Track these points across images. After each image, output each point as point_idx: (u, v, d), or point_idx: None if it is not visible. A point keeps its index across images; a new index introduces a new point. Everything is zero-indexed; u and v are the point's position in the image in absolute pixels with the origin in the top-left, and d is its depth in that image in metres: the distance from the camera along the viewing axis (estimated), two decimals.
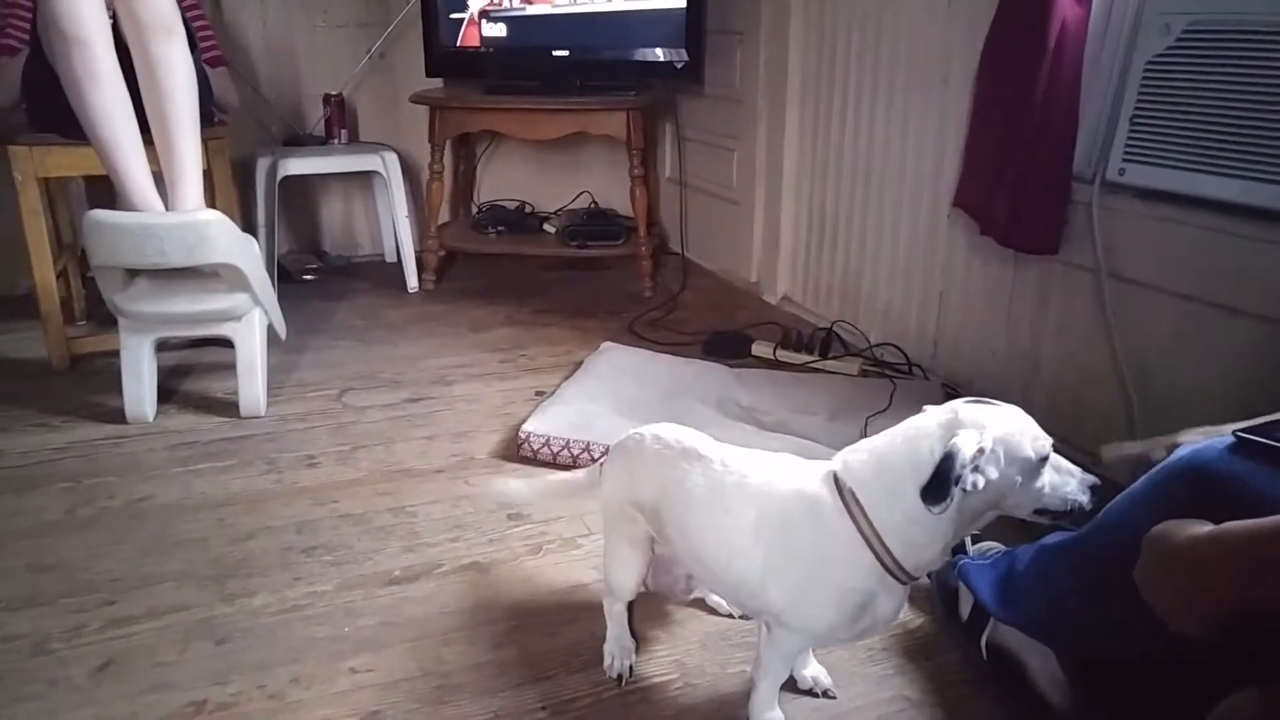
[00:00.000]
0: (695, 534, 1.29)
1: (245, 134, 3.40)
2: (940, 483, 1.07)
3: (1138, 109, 1.90)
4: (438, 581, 1.71)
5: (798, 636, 1.26)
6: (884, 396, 2.34)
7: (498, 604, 1.64)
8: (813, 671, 1.43)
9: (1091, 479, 1.14)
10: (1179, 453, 1.12)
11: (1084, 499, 1.13)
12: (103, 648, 1.52)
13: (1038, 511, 1.14)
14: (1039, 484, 1.12)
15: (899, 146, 2.62)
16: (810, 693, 1.42)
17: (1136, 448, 1.34)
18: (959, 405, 1.14)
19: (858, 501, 1.16)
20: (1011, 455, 1.09)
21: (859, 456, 1.19)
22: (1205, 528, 0.88)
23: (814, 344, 2.76)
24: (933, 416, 1.15)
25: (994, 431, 1.09)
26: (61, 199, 2.96)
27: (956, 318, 2.50)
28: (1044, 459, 1.11)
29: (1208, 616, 0.87)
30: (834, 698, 1.42)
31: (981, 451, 1.07)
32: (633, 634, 1.52)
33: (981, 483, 1.08)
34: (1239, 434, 1.05)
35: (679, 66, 3.32)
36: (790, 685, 1.42)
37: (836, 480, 1.19)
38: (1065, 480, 1.13)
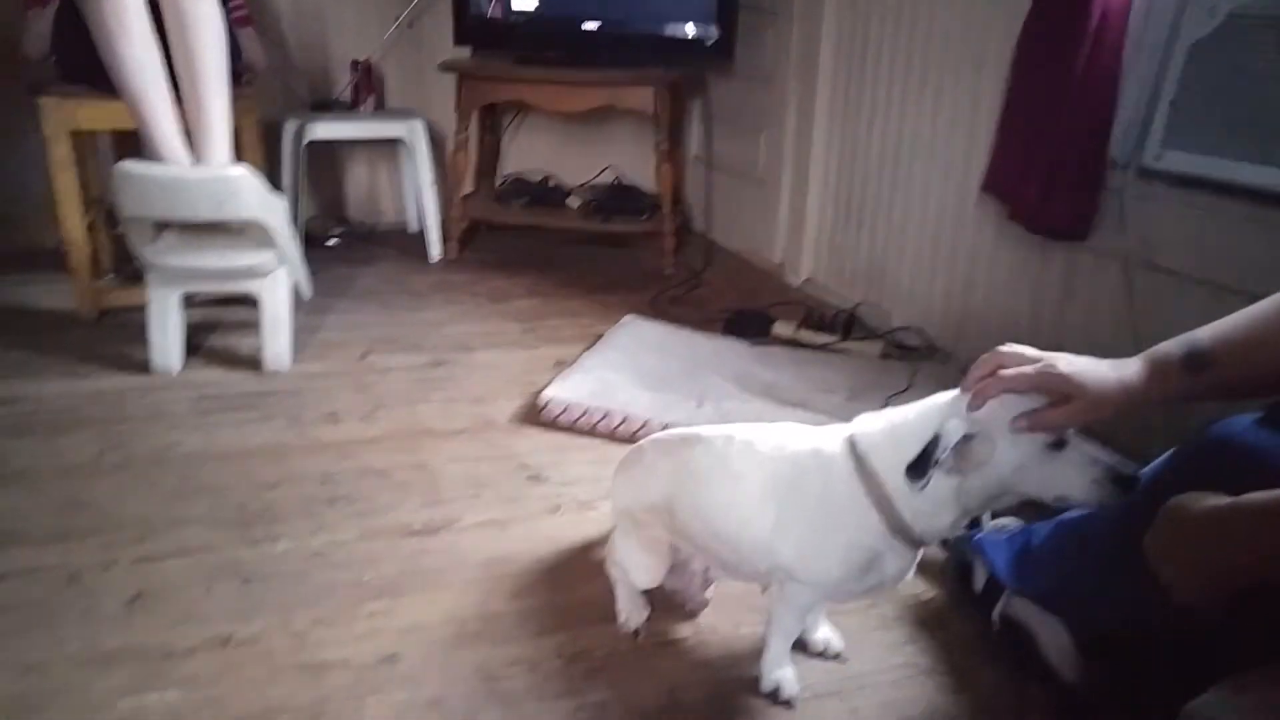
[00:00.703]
0: (707, 507, 1.33)
1: (272, 97, 3.40)
2: (920, 461, 1.10)
3: (1178, 93, 1.88)
4: (457, 535, 1.73)
5: (808, 590, 1.28)
6: (904, 378, 2.35)
7: (515, 559, 1.66)
8: (824, 634, 1.45)
9: (1123, 469, 1.07)
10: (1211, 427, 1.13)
11: (1105, 491, 1.07)
12: (133, 581, 1.55)
13: (1059, 498, 1.11)
14: (1053, 470, 1.09)
15: (930, 130, 2.62)
16: (822, 655, 1.44)
17: None
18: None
19: (869, 465, 1.18)
20: (1014, 438, 1.09)
21: (877, 424, 1.21)
22: (1225, 499, 0.89)
23: (836, 325, 2.76)
24: (948, 394, 1.17)
25: (989, 416, 1.10)
26: (90, 153, 2.98)
27: (980, 303, 2.51)
28: (1057, 445, 1.09)
29: (1219, 587, 0.88)
30: (845, 661, 1.43)
31: (968, 437, 1.09)
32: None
33: (962, 466, 1.10)
34: (1269, 407, 1.06)
35: (709, 43, 3.33)
36: (802, 647, 1.44)
37: (852, 442, 1.21)
38: (1088, 469, 1.08)
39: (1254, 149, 1.75)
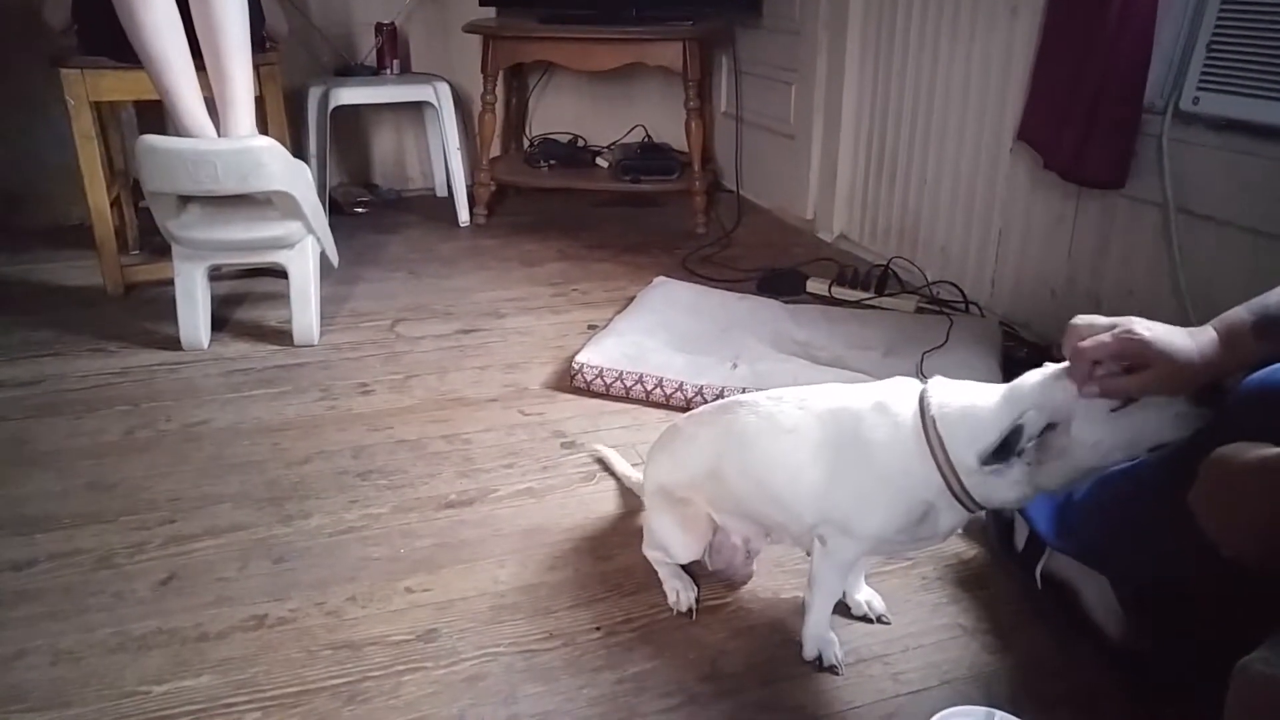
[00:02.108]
0: (757, 464, 1.31)
1: (297, 63, 3.38)
2: (1001, 451, 1.08)
3: (1216, 34, 1.84)
4: (492, 506, 1.71)
5: (856, 544, 1.26)
6: (941, 333, 2.30)
7: (551, 529, 1.65)
8: (866, 596, 1.43)
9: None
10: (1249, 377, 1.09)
11: (1195, 416, 1.04)
12: (165, 563, 1.54)
13: (1154, 449, 1.08)
14: (1132, 426, 1.06)
15: (962, 79, 2.56)
16: (864, 619, 1.42)
17: None
18: (1033, 380, 1.13)
19: (938, 431, 1.16)
20: (1083, 419, 1.07)
21: (954, 399, 1.17)
22: (1272, 449, 0.85)
23: (870, 281, 2.71)
24: (1032, 380, 1.13)
25: (1063, 400, 1.08)
26: (113, 125, 2.96)
27: (1015, 255, 2.45)
28: (1124, 403, 1.06)
29: (1269, 540, 0.85)
30: (888, 623, 1.42)
31: (1051, 426, 1.07)
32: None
33: (1041, 456, 1.09)
34: None
35: None
36: (844, 611, 1.42)
37: (924, 406, 1.18)
38: (1167, 406, 1.05)
39: None
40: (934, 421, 1.16)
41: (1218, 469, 0.90)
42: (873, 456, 1.20)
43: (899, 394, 1.22)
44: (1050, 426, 1.07)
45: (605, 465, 1.83)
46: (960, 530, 1.25)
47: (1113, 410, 1.06)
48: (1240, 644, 0.84)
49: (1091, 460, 1.09)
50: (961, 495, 1.16)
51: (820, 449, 1.24)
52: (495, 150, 3.64)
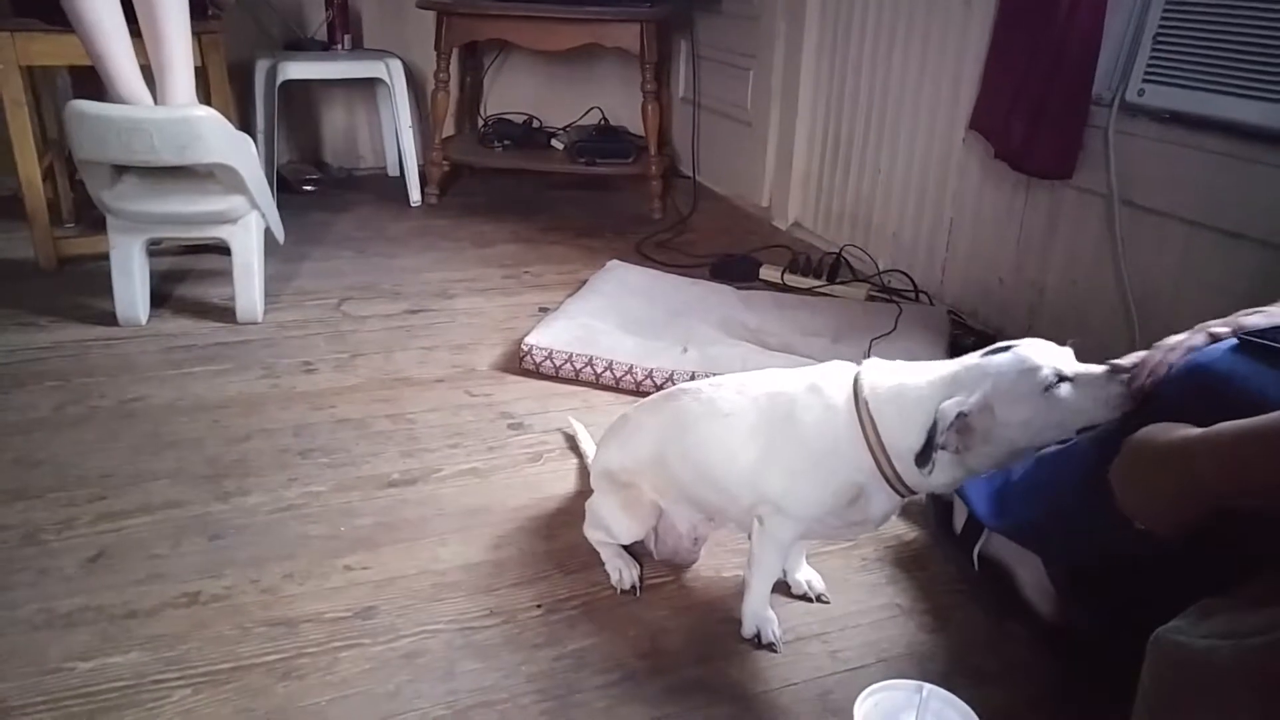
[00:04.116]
0: (696, 449, 1.33)
1: (244, 35, 3.30)
2: (925, 449, 1.10)
3: (1161, 27, 1.87)
4: (435, 485, 1.69)
5: (791, 523, 1.27)
6: (889, 320, 2.31)
7: (495, 508, 1.63)
8: (806, 575, 1.44)
9: (1120, 370, 1.07)
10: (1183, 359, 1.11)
11: (1119, 394, 1.05)
12: (94, 540, 1.50)
13: (1081, 430, 1.09)
14: (1062, 406, 1.07)
15: (917, 69, 2.57)
16: (804, 598, 1.43)
17: None
18: (967, 362, 1.14)
19: (870, 416, 1.17)
20: (1010, 399, 1.07)
21: (887, 379, 1.18)
22: (1193, 430, 0.88)
23: (822, 269, 2.72)
24: (959, 364, 1.15)
25: (980, 388, 1.09)
26: (47, 92, 2.87)
27: (965, 244, 2.47)
28: (1057, 382, 1.06)
29: (1184, 514, 0.89)
30: (827, 602, 1.42)
31: (961, 415, 1.08)
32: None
33: (967, 443, 1.09)
34: (1242, 336, 1.05)
35: None
36: (784, 590, 1.43)
37: (857, 388, 1.19)
38: (1093, 388, 1.06)
39: (1234, 83, 1.73)
40: (866, 405, 1.17)
41: (1134, 447, 0.94)
42: (804, 436, 1.22)
43: (833, 376, 1.24)
44: (962, 415, 1.08)
45: (573, 441, 1.82)
46: (898, 514, 1.26)
47: (1044, 389, 1.06)
48: (1164, 618, 0.86)
49: (1021, 441, 1.10)
50: (892, 479, 1.17)
51: (755, 430, 1.26)
52: (448, 129, 3.60)
